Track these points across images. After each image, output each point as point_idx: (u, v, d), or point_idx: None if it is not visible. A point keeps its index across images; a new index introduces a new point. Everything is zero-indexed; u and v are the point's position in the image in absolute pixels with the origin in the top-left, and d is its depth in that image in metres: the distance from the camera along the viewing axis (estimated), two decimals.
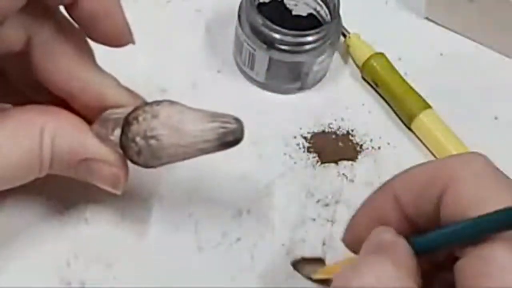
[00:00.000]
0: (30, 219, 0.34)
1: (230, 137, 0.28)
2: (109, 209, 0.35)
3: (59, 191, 0.34)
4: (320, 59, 0.40)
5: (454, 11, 0.46)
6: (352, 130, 0.41)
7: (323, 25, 0.40)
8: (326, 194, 0.38)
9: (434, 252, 0.25)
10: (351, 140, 0.41)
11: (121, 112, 0.29)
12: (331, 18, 0.41)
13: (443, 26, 0.47)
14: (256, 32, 0.39)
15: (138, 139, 0.28)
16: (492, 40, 0.46)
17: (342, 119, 0.42)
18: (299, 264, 0.35)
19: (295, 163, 0.39)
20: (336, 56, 0.44)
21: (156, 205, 0.36)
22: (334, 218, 0.37)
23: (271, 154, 0.39)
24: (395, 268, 0.23)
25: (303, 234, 0.36)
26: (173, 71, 0.42)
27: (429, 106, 0.41)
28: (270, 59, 0.40)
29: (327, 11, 0.42)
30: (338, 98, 0.43)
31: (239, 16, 0.40)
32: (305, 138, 0.40)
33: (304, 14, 0.43)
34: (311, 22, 0.42)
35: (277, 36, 0.38)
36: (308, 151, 0.40)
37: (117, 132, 0.29)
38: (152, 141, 0.28)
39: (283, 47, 0.39)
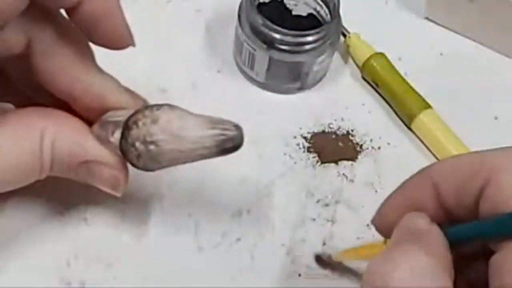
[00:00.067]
0: (31, 220, 0.34)
1: (230, 144, 0.28)
2: (109, 209, 0.35)
3: (60, 192, 0.34)
4: (320, 59, 0.40)
5: (454, 11, 0.46)
6: (352, 130, 0.41)
7: (323, 25, 0.40)
8: (326, 194, 0.38)
9: (467, 244, 0.25)
10: (351, 140, 0.41)
11: (121, 115, 0.29)
12: (331, 18, 0.41)
13: (443, 26, 0.47)
14: (256, 32, 0.39)
15: (137, 144, 0.28)
16: (492, 40, 0.46)
17: (342, 119, 0.42)
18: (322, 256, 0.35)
19: (295, 163, 0.39)
20: (336, 56, 0.44)
21: (156, 205, 0.36)
22: (334, 218, 0.37)
23: (271, 154, 0.39)
24: (430, 259, 0.22)
25: (303, 234, 0.36)
26: (173, 71, 0.42)
27: (429, 106, 0.41)
28: (270, 59, 0.40)
29: (327, 11, 0.42)
30: (338, 98, 0.43)
31: (239, 16, 0.40)
32: (305, 138, 0.40)
33: (304, 14, 0.43)
34: (311, 22, 0.42)
35: (277, 36, 0.38)
36: (308, 151, 0.40)
37: (117, 134, 0.29)
38: (152, 147, 0.28)
39: (283, 47, 0.39)
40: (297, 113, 0.41)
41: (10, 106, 0.33)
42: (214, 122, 0.28)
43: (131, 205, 0.36)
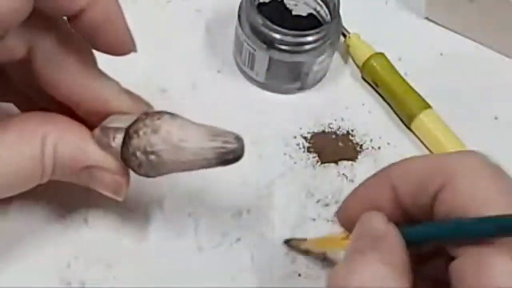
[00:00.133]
0: (33, 223, 0.34)
1: (230, 156, 0.28)
2: (110, 211, 0.35)
3: (61, 195, 0.34)
4: (320, 59, 0.40)
5: (454, 11, 0.46)
6: (352, 130, 0.41)
7: (323, 25, 0.40)
8: (326, 194, 0.38)
9: (422, 245, 0.26)
10: (351, 140, 0.41)
11: (122, 120, 0.30)
12: (331, 18, 0.41)
13: (443, 26, 0.47)
14: (256, 32, 0.39)
15: (138, 153, 0.28)
16: (492, 40, 0.46)
17: (342, 119, 0.42)
18: (290, 241, 0.35)
19: (295, 163, 0.39)
20: (336, 56, 0.44)
21: (157, 205, 0.36)
22: (334, 218, 0.37)
23: (271, 154, 0.39)
24: (388, 266, 0.24)
25: (303, 234, 0.36)
26: (173, 71, 0.42)
27: (429, 106, 0.41)
28: (270, 59, 0.40)
29: (327, 11, 0.42)
30: (338, 98, 0.43)
31: (239, 16, 0.40)
32: (305, 138, 0.40)
33: (304, 14, 0.43)
34: (311, 22, 0.42)
35: (277, 36, 0.38)
36: (308, 151, 0.40)
37: (118, 140, 0.29)
38: (152, 157, 0.28)
39: (283, 47, 0.39)
40: (297, 113, 0.41)
41: (10, 106, 0.33)
42: (215, 134, 0.28)
43: (132, 205, 0.35)
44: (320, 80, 0.43)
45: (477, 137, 0.40)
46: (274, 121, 0.41)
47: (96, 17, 0.27)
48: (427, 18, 0.48)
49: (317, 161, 0.39)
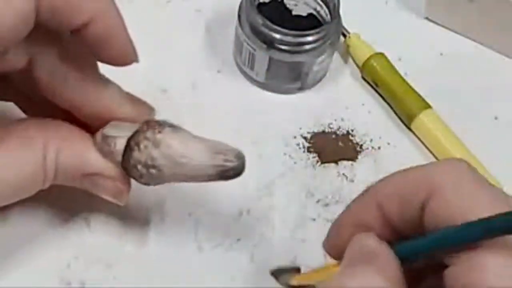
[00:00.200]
0: (35, 227, 0.34)
1: (230, 173, 0.28)
2: (111, 213, 0.35)
3: (63, 200, 0.34)
4: (320, 59, 0.40)
5: (454, 11, 0.46)
6: (352, 130, 0.41)
7: (323, 25, 0.40)
8: (326, 194, 0.38)
9: (417, 260, 0.25)
10: (351, 140, 0.41)
11: (123, 127, 0.30)
12: (331, 18, 0.41)
13: (443, 26, 0.47)
14: (256, 32, 0.39)
15: (139, 166, 0.29)
16: (492, 40, 0.46)
17: (342, 119, 0.42)
18: (277, 272, 0.35)
19: (295, 163, 0.39)
20: (336, 56, 0.44)
21: (157, 206, 0.36)
22: (334, 218, 0.37)
23: (271, 154, 0.39)
24: (382, 279, 0.23)
25: (303, 234, 0.36)
26: (173, 71, 0.42)
27: (429, 106, 0.41)
28: (270, 59, 0.40)
29: (327, 11, 0.42)
30: (338, 98, 0.43)
31: (239, 16, 0.40)
32: (305, 138, 0.40)
33: (304, 14, 0.43)
34: (311, 22, 0.42)
35: (277, 36, 0.38)
36: (308, 151, 0.40)
37: (119, 148, 0.29)
38: (153, 170, 0.28)
39: (283, 47, 0.39)
40: (297, 113, 0.41)
41: (11, 106, 0.33)
42: (216, 152, 0.28)
43: (132, 205, 0.35)
44: (320, 80, 0.43)
45: (477, 137, 0.40)
46: (274, 121, 0.41)
47: (99, 32, 0.27)
48: (427, 18, 0.48)
49: (317, 161, 0.39)
